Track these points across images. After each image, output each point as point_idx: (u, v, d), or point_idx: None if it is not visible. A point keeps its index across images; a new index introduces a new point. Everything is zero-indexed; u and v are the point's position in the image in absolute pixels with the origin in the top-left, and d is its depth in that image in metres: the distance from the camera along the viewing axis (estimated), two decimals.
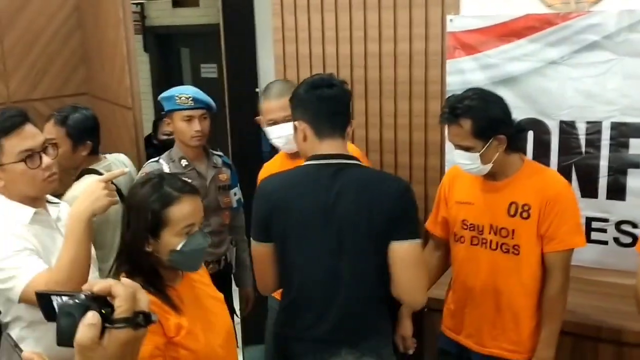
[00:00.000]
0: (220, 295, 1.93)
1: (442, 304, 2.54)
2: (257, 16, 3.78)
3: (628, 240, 2.71)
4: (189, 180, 2.67)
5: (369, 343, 1.96)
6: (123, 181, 2.64)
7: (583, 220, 2.58)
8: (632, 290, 2.55)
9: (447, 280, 2.61)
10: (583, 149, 2.72)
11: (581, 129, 2.71)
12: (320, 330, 1.96)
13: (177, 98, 2.70)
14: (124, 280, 0.89)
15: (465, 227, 2.27)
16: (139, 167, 3.04)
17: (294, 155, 2.45)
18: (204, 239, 1.75)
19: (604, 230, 2.74)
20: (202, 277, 1.90)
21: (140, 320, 0.85)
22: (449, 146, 2.97)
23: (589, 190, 2.74)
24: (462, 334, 2.34)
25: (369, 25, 3.11)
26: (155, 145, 4.18)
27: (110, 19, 3.40)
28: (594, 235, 2.75)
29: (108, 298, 0.85)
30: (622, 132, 2.62)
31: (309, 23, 3.26)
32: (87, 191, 1.85)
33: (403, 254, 1.87)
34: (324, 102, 1.96)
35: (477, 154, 2.12)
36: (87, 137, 2.74)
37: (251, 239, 2.05)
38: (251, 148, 3.78)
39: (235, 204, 2.91)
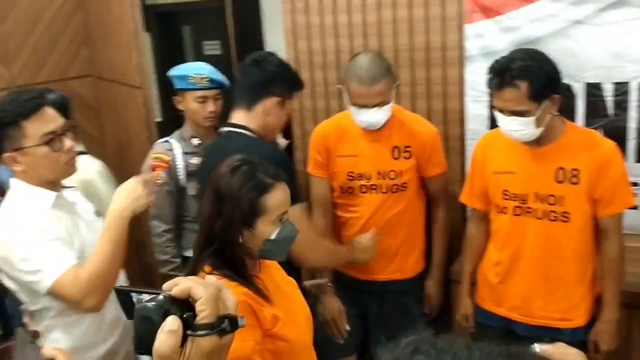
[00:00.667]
0: (293, 280, 1.89)
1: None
2: None
3: None
4: (201, 159, 2.63)
5: None
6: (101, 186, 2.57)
7: None
8: None
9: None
10: (610, 111, 2.63)
11: (608, 91, 2.62)
12: None
13: (191, 77, 2.61)
14: (208, 278, 0.81)
15: (507, 197, 2.20)
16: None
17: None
18: (294, 226, 1.70)
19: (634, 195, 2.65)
20: (273, 263, 1.82)
21: (225, 326, 0.76)
22: (469, 114, 2.91)
23: None
24: (504, 306, 2.28)
25: None
26: None
27: None
28: None
29: (190, 300, 0.76)
30: None
31: None
32: (127, 189, 1.85)
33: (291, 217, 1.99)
34: (239, 77, 2.21)
35: (533, 118, 2.01)
36: None
37: None
38: None
39: None
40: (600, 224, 2.14)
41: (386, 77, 2.34)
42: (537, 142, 2.11)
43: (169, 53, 6.30)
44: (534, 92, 1.98)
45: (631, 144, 2.61)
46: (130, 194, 1.83)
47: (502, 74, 2.01)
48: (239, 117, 2.17)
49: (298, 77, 2.27)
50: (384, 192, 2.51)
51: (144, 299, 0.78)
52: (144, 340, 0.75)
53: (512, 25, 2.71)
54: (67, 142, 1.90)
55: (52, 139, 1.86)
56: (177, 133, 2.72)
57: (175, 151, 2.64)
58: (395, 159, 2.49)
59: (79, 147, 2.66)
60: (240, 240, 1.61)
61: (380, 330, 2.64)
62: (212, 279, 0.82)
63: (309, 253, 2.06)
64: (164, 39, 6.39)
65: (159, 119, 5.52)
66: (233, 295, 0.80)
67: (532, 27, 2.67)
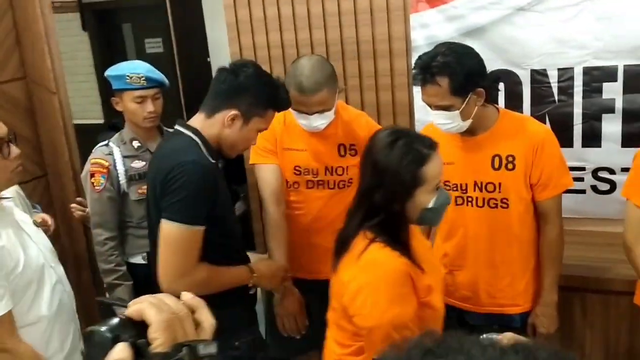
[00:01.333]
0: (429, 243, 1.92)
1: None
2: None
3: (605, 187, 2.67)
4: (143, 163, 2.53)
5: None
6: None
7: None
8: (612, 238, 2.53)
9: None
10: (556, 97, 2.64)
11: (553, 77, 2.63)
12: None
13: (127, 77, 2.49)
14: (184, 296, 0.71)
15: (448, 187, 2.18)
16: (70, 157, 2.84)
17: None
18: (447, 192, 1.78)
19: (580, 179, 2.67)
20: (415, 227, 1.82)
21: (183, 355, 0.66)
22: (417, 106, 2.88)
23: (563, 139, 2.61)
24: (454, 296, 2.26)
25: None
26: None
27: None
28: None
29: None
30: (595, 77, 2.56)
31: None
32: None
33: (161, 230, 1.87)
34: (212, 81, 2.05)
35: (457, 112, 2.03)
36: None
37: None
38: None
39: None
40: (539, 207, 2.16)
41: (327, 85, 2.26)
42: (471, 132, 2.12)
43: (109, 52, 6.14)
44: (454, 88, 2.00)
45: (577, 129, 2.64)
46: None
47: (424, 71, 2.02)
48: (196, 120, 2.03)
49: (278, 94, 2.04)
50: (330, 188, 2.45)
51: (98, 325, 0.69)
52: None
53: (457, 13, 2.69)
54: (14, 149, 1.80)
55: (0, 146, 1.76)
56: (116, 136, 2.60)
57: (115, 155, 2.52)
58: (342, 156, 2.44)
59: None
60: (401, 210, 1.65)
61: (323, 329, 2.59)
62: (188, 296, 0.73)
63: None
64: (103, 38, 6.21)
65: (100, 122, 5.37)
66: (211, 317, 0.72)
67: (477, 15, 2.66)
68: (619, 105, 2.54)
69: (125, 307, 0.70)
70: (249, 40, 3.15)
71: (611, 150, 2.59)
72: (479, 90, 2.03)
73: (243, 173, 3.19)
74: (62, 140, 3.11)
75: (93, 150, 2.59)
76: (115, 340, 0.66)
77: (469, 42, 2.47)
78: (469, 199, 2.17)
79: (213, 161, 1.98)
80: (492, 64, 2.57)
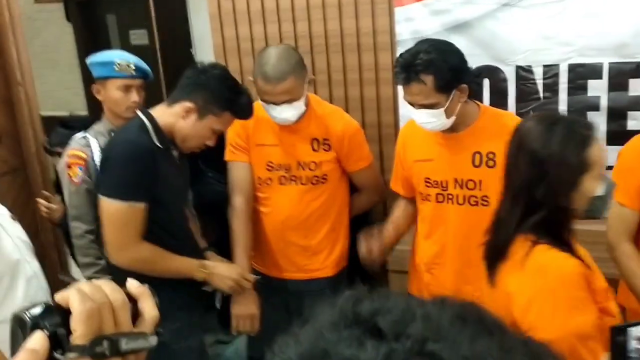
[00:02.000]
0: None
1: (405, 266, 2.45)
2: None
3: None
4: None
5: None
6: None
7: None
8: (596, 236, 2.51)
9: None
10: (541, 94, 2.62)
11: (538, 74, 2.61)
12: None
13: (116, 64, 2.43)
14: (128, 284, 0.68)
15: (429, 184, 2.16)
16: (37, 150, 2.78)
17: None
18: (609, 177, 1.62)
19: None
20: None
21: (103, 350, 0.63)
22: (402, 101, 2.84)
23: None
24: (434, 294, 2.23)
25: None
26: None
27: None
28: None
29: None
30: (580, 74, 2.54)
31: None
32: None
33: (100, 207, 2.03)
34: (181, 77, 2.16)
35: (442, 110, 2.00)
36: None
37: None
38: None
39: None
40: None
41: (294, 74, 2.20)
42: (453, 128, 2.09)
43: (93, 43, 6.05)
44: (439, 85, 1.97)
45: None
46: None
47: (408, 69, 1.98)
48: (157, 108, 2.11)
49: (236, 101, 2.10)
50: (303, 184, 2.39)
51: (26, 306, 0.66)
52: (15, 353, 0.63)
53: (442, 8, 2.66)
54: None
55: None
56: (94, 128, 2.54)
57: (93, 147, 2.46)
58: (315, 150, 2.39)
59: None
60: (567, 203, 1.49)
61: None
62: (134, 284, 0.69)
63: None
64: (87, 29, 6.13)
65: (84, 113, 5.29)
66: (154, 309, 0.69)
67: (462, 9, 2.63)
68: (604, 102, 2.52)
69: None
70: (232, 32, 3.11)
71: None
72: (462, 87, 2.00)
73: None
74: (29, 133, 3.05)
75: (69, 142, 2.53)
76: (34, 327, 0.63)
77: (454, 37, 2.47)
78: (449, 197, 2.14)
79: (160, 146, 2.04)
80: (477, 60, 2.55)
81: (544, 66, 2.58)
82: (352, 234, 2.51)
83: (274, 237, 2.43)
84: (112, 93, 2.47)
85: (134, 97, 2.46)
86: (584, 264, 1.48)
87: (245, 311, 2.31)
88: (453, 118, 2.03)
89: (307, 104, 2.34)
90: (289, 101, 2.23)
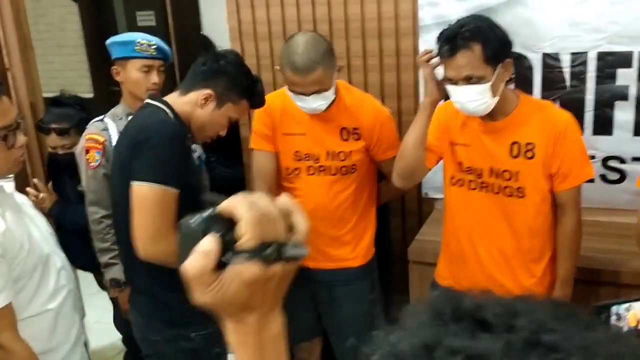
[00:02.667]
0: None
1: (425, 257, 2.42)
2: None
3: (615, 176, 2.60)
4: None
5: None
6: None
7: None
8: (621, 229, 2.47)
9: (434, 230, 2.46)
10: (568, 83, 2.56)
11: (565, 61, 2.55)
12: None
13: (137, 44, 2.38)
14: (281, 198, 0.69)
15: (461, 170, 2.10)
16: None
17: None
18: None
19: None
20: None
21: (269, 253, 0.65)
22: (423, 88, 2.79)
23: None
24: (464, 283, 2.18)
25: None
26: None
27: None
28: None
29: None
30: (609, 63, 2.48)
31: None
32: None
33: (133, 195, 1.81)
34: (194, 64, 2.03)
35: (488, 85, 1.90)
36: None
37: None
38: None
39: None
40: (557, 198, 2.06)
41: (323, 63, 2.14)
42: (491, 116, 2.02)
43: (99, 25, 5.97)
44: (487, 55, 1.89)
45: (589, 116, 2.56)
46: None
47: (454, 39, 1.90)
48: (171, 96, 2.00)
49: (254, 89, 2.02)
50: (332, 174, 2.35)
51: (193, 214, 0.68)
52: (183, 260, 0.66)
53: None
54: (20, 138, 1.66)
55: (6, 135, 1.61)
56: (112, 111, 2.49)
57: (111, 131, 2.41)
58: (344, 140, 2.34)
59: None
60: None
61: (331, 319, 2.52)
62: (284, 199, 0.70)
63: None
64: (93, 9, 6.04)
65: (89, 95, 5.22)
66: (305, 222, 0.69)
67: None
68: (632, 92, 2.46)
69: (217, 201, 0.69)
70: (249, 15, 3.04)
71: (622, 139, 2.52)
72: (507, 62, 1.93)
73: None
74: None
75: (87, 126, 2.48)
76: (204, 233, 0.66)
77: None
78: (483, 185, 2.08)
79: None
80: None
81: (572, 54, 2.52)
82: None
83: None
84: (132, 74, 2.42)
85: (154, 78, 2.41)
86: None
87: None
88: (497, 99, 1.95)
89: (336, 92, 2.28)
90: (319, 91, 2.18)
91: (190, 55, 3.31)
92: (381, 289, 2.60)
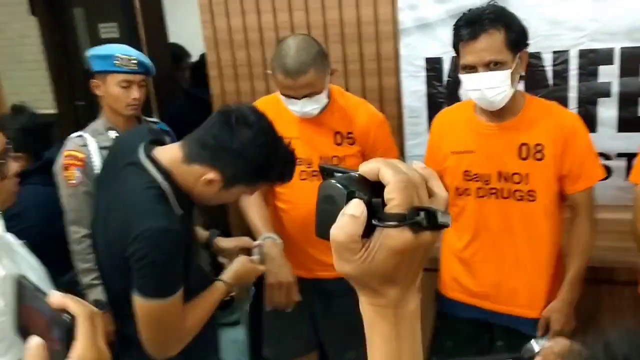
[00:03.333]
0: None
1: (426, 264, 2.36)
2: None
3: None
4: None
5: None
6: None
7: None
8: (608, 225, 2.47)
9: None
10: (550, 82, 2.57)
11: (547, 60, 2.56)
12: None
13: (117, 58, 2.30)
14: (416, 165, 0.64)
15: (468, 178, 2.06)
16: None
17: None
18: None
19: None
20: None
21: (420, 219, 0.60)
22: (406, 92, 2.77)
23: None
24: (471, 294, 2.15)
25: None
26: None
27: None
28: None
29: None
30: (591, 60, 2.49)
31: None
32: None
33: (136, 307, 1.58)
34: (211, 118, 1.65)
35: (509, 72, 1.86)
36: None
37: None
38: (182, 110, 3.40)
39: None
40: (570, 200, 2.03)
41: (315, 66, 2.09)
42: (498, 116, 1.99)
43: (60, 38, 5.81)
44: (510, 39, 1.85)
45: None
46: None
47: (475, 22, 1.86)
48: (171, 158, 1.64)
49: (274, 168, 1.70)
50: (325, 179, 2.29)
51: (333, 178, 0.65)
52: (324, 224, 0.64)
53: None
54: (13, 166, 1.52)
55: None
56: (91, 126, 2.40)
57: (90, 147, 2.32)
58: (338, 144, 2.29)
59: None
60: None
61: (329, 331, 2.47)
62: (420, 165, 0.66)
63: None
64: (53, 23, 5.88)
65: (52, 111, 5.06)
66: (444, 189, 0.66)
67: None
68: (615, 89, 2.48)
69: (349, 171, 0.66)
70: (224, 23, 2.98)
71: (607, 135, 2.53)
72: (524, 52, 1.91)
73: None
74: None
75: (65, 142, 2.38)
76: (350, 196, 0.62)
77: None
78: (492, 191, 2.04)
79: (181, 211, 1.63)
80: None
81: (554, 52, 2.53)
82: None
83: (296, 235, 2.31)
84: (111, 89, 2.33)
85: (135, 93, 2.33)
86: None
87: (280, 278, 2.15)
88: (513, 90, 1.92)
89: (329, 96, 2.23)
90: (310, 95, 2.13)
91: (158, 66, 3.26)
92: None
